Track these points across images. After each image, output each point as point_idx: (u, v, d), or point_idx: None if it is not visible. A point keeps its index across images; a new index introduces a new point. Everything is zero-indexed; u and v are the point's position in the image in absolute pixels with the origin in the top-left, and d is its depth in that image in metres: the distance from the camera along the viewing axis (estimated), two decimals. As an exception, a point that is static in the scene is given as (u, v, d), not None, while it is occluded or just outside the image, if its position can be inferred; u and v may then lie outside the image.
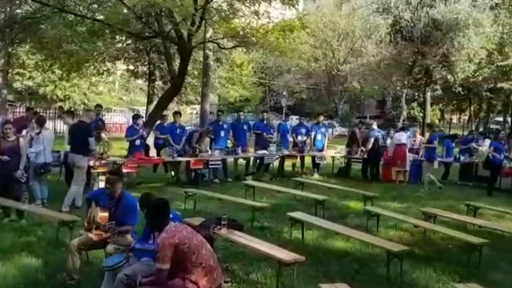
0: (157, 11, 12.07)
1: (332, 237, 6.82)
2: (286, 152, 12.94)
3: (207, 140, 11.82)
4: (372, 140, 12.69)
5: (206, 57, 15.75)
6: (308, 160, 13.41)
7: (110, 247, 4.76)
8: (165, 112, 13.37)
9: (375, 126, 13.51)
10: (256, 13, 13.07)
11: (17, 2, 14.18)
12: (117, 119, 27.51)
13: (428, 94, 21.26)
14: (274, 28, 13.00)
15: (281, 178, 12.34)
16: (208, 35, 14.72)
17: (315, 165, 13.16)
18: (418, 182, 12.37)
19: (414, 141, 12.99)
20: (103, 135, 9.96)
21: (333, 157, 13.68)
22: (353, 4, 29.33)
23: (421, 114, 29.29)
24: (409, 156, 12.44)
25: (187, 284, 3.71)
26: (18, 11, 14.12)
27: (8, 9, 13.98)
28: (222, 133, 12.19)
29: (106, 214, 5.01)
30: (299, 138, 13.35)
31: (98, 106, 12.43)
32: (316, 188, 10.24)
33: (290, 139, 13.93)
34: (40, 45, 16.14)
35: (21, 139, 7.76)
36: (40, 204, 8.25)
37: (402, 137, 12.50)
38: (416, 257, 6.14)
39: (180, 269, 3.75)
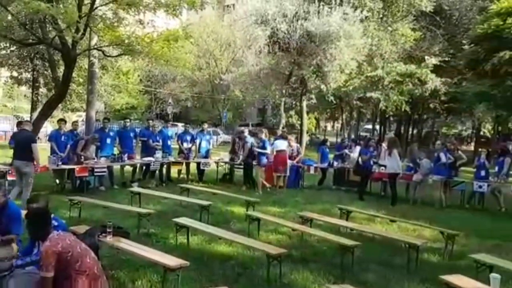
0: (41, 18, 11.28)
1: (216, 241, 6.79)
2: (172, 159, 12.86)
3: (93, 147, 11.31)
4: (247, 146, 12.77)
5: (91, 64, 15.03)
6: (193, 166, 13.44)
7: (-6, 257, 4.39)
8: (49, 119, 12.48)
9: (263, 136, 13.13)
10: (141, 22, 12.85)
11: None
12: (1, 127, 24.81)
13: (304, 103, 21.67)
14: (159, 37, 12.87)
15: (167, 185, 12.24)
16: (93, 42, 14.10)
17: (200, 172, 13.26)
18: (297, 187, 13.00)
19: (292, 148, 13.39)
20: None
21: (217, 163, 13.76)
22: (234, 16, 29.74)
23: (299, 122, 30.21)
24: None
25: (72, 293, 3.60)
26: None
27: None
28: (108, 140, 11.74)
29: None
30: (185, 145, 13.33)
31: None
32: (201, 194, 10.26)
33: (175, 145, 13.84)
34: None
35: None
36: None
37: (283, 144, 12.68)
38: (294, 259, 6.22)
39: (64, 278, 3.62)
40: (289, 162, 12.81)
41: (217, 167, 13.79)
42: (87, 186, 10.80)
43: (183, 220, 6.80)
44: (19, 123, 10.54)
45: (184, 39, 14.39)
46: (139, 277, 5.30)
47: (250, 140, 13.02)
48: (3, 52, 16.23)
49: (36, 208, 4.31)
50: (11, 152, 10.22)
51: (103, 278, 3.88)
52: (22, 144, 8.50)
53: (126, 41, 12.16)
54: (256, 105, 43.19)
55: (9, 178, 8.85)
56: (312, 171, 13.81)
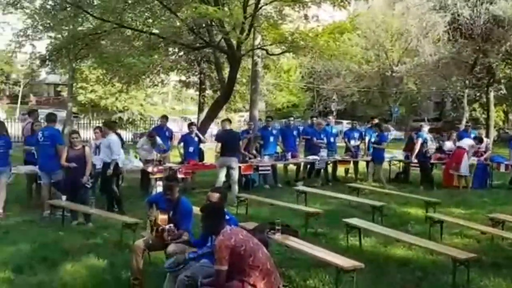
0: (208, 22, 12.37)
1: (392, 244, 6.64)
2: (338, 157, 12.81)
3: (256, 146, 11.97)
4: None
5: (254, 64, 15.94)
6: (362, 165, 13.15)
7: (170, 248, 4.92)
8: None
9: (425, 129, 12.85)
10: (306, 17, 13.07)
11: (79, 20, 14.98)
12: (170, 128, 28.28)
13: (492, 94, 19.95)
14: (324, 31, 12.92)
15: (333, 184, 12.23)
16: (256, 42, 14.89)
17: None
18: (484, 186, 11.99)
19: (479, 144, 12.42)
20: (158, 140, 10.36)
21: (389, 162, 13.31)
22: (407, 3, 28.26)
23: (483, 116, 27.72)
24: (472, 160, 11.97)
25: (246, 287, 3.77)
26: (80, 28, 14.93)
27: (71, 26, 14.79)
28: (272, 139, 12.20)
29: (165, 216, 5.18)
30: (352, 142, 13.15)
31: (164, 117, 12.72)
32: (372, 194, 10.07)
33: (342, 143, 13.75)
34: (101, 60, 16.95)
35: (86, 148, 8.22)
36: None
37: (466, 140, 12.06)
38: (483, 264, 5.92)
39: (238, 272, 3.82)
40: (474, 159, 11.92)
41: (390, 165, 13.34)
42: (252, 184, 11.45)
43: (354, 221, 6.72)
44: (190, 124, 11.86)
45: (351, 31, 14.18)
46: (310, 276, 5.37)
47: (424, 135, 12.25)
48: (173, 57, 18.30)
49: (212, 203, 4.67)
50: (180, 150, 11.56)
51: (276, 274, 3.99)
52: (231, 142, 9.82)
53: (290, 38, 12.55)
54: (433, 98, 40.47)
55: (179, 176, 9.84)
56: (502, 169, 12.54)
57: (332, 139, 13.06)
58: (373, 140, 12.41)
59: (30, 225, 7.68)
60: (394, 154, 13.86)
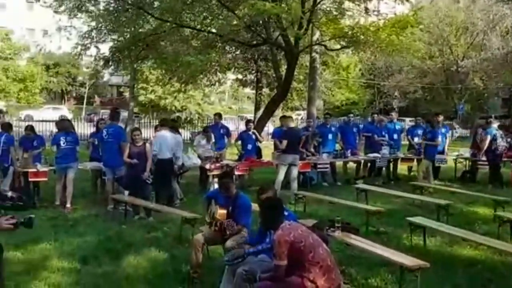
0: (265, 19, 12.39)
1: (459, 244, 6.41)
2: (401, 155, 12.41)
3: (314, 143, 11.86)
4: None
5: (312, 60, 15.78)
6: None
7: (229, 243, 4.96)
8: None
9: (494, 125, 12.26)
10: (366, 10, 12.77)
11: (140, 22, 15.53)
12: (226, 125, 28.82)
13: None
14: (385, 25, 12.54)
15: (396, 183, 11.87)
16: (314, 38, 14.72)
17: (435, 169, 12.43)
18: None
19: None
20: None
21: (455, 160, 12.77)
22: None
23: None
24: None
25: (306, 283, 3.72)
26: (140, 30, 15.48)
27: (132, 28, 15.36)
28: (330, 136, 12.01)
29: (224, 211, 5.24)
30: (416, 140, 12.67)
31: (217, 114, 12.93)
32: (436, 192, 9.69)
33: (406, 141, 13.31)
34: (160, 61, 17.48)
35: (147, 145, 8.48)
36: (178, 203, 8.89)
37: None
38: None
39: (298, 268, 3.78)
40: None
41: (455, 163, 12.81)
42: (310, 182, 11.34)
43: (418, 220, 6.49)
44: (248, 122, 11.96)
45: (414, 25, 13.67)
46: (372, 275, 5.25)
47: (493, 132, 11.63)
48: (230, 56, 18.52)
49: (270, 198, 4.65)
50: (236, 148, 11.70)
51: (337, 271, 3.92)
52: (294, 139, 9.86)
53: (350, 32, 12.30)
54: (501, 94, 38.36)
55: (236, 173, 9.92)
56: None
57: (395, 136, 12.68)
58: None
59: (95, 219, 8.04)
60: (459, 152, 13.31)
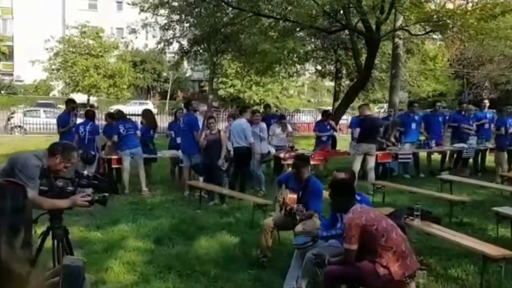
0: (345, 4, 12.04)
1: None
2: (489, 145, 11.51)
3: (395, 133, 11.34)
4: None
5: (395, 47, 15.09)
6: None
7: (299, 227, 4.85)
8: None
9: None
10: (453, -8, 11.99)
11: (219, 14, 15.83)
12: (305, 119, 28.74)
13: None
14: (474, 8, 11.68)
15: (483, 174, 11.03)
16: (398, 23, 14.06)
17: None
18: None
19: None
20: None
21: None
22: None
23: None
24: None
25: (378, 268, 3.53)
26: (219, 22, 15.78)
27: (212, 21, 15.68)
28: (413, 126, 11.38)
29: (295, 196, 5.13)
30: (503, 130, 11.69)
31: (267, 106, 12.78)
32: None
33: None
34: (239, 53, 17.73)
35: (222, 133, 8.61)
36: (263, 192, 8.93)
37: None
38: None
39: (369, 252, 3.61)
40: None
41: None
42: (390, 173, 10.88)
43: (505, 209, 5.94)
44: (324, 112, 11.78)
45: (508, 10, 12.53)
46: (453, 266, 4.91)
47: None
48: (308, 46, 18.29)
49: (341, 179, 4.48)
50: (313, 140, 11.48)
51: (412, 257, 3.68)
52: (371, 128, 9.60)
53: (435, 16, 11.62)
54: None
55: (312, 162, 9.74)
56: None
57: (486, 126, 11.78)
58: None
59: (172, 204, 8.30)
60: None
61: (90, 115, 9.52)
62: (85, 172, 3.90)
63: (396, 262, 3.53)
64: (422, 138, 11.65)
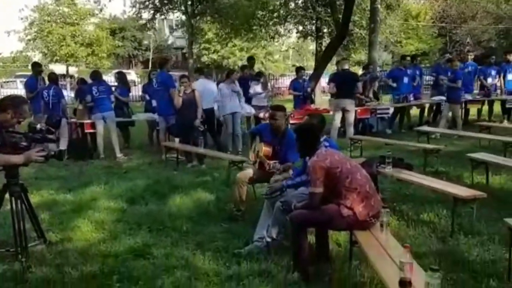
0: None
1: None
2: (469, 97, 11.47)
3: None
4: None
5: (373, 0, 14.82)
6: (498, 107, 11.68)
7: (272, 179, 4.76)
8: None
9: None
10: None
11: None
12: (286, 82, 28.59)
13: None
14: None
15: (464, 127, 11.02)
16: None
17: (505, 111, 11.42)
18: None
19: None
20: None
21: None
22: None
23: None
24: None
25: (342, 210, 3.48)
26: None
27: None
28: (406, 80, 11.08)
29: (269, 149, 4.99)
30: (489, 80, 11.62)
31: (244, 67, 12.45)
32: (507, 133, 8.74)
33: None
34: (217, 15, 17.25)
35: (196, 92, 8.38)
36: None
37: None
38: None
39: (334, 195, 3.55)
40: None
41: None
42: (370, 129, 10.84)
43: (480, 155, 5.92)
44: (299, 69, 11.47)
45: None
46: (425, 210, 4.90)
47: None
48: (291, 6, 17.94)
49: (305, 124, 4.37)
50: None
51: (377, 197, 3.64)
52: (347, 83, 9.43)
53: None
54: None
55: (291, 121, 9.61)
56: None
57: (468, 79, 11.57)
58: None
59: (148, 167, 8.18)
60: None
61: (53, 79, 9.25)
62: (38, 126, 3.73)
63: (360, 203, 3.49)
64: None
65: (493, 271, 3.46)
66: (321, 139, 4.03)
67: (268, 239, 4.15)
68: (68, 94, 15.83)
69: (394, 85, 11.14)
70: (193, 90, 8.40)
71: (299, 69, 11.47)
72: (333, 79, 9.87)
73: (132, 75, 32.47)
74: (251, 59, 12.12)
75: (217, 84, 9.95)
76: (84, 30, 32.52)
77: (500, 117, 11.62)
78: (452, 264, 3.62)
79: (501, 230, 4.13)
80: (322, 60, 13.44)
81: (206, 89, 9.13)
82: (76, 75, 31.63)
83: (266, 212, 4.41)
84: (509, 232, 3.30)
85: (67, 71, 34.05)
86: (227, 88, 9.11)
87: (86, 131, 9.16)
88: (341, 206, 3.50)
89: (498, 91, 11.63)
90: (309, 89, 11.14)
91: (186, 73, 20.29)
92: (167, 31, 42.32)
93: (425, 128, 9.05)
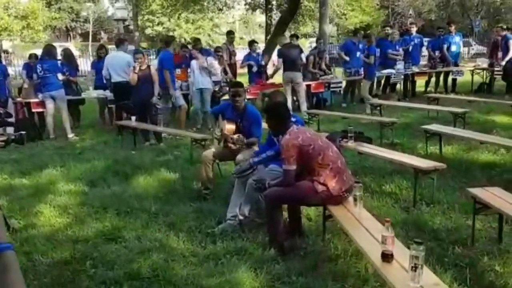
0: None
1: (476, 149, 6.22)
2: (416, 70, 11.92)
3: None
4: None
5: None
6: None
7: (239, 157, 4.80)
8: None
9: None
10: None
11: None
12: (238, 56, 28.33)
13: None
14: None
15: (412, 99, 11.49)
16: None
17: (451, 81, 11.98)
18: None
19: None
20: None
21: (472, 71, 12.27)
22: None
23: None
24: None
25: (316, 186, 3.59)
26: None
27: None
28: (358, 54, 11.04)
29: (233, 126, 5.03)
30: (437, 53, 12.09)
31: (197, 40, 12.26)
32: (453, 103, 9.27)
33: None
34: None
35: (152, 67, 8.16)
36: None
37: None
38: None
39: (307, 171, 3.65)
40: None
41: (472, 75, 12.31)
42: (324, 103, 11.04)
43: (434, 127, 6.24)
44: (251, 43, 11.39)
45: None
46: (386, 182, 5.12)
47: None
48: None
49: (275, 103, 4.42)
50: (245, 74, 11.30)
51: (348, 172, 3.77)
52: (291, 56, 9.64)
53: None
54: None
55: (248, 96, 9.63)
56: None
57: (415, 51, 12.02)
58: None
59: (104, 146, 7.97)
60: (476, 63, 12.92)
61: (-4, 55, 8.73)
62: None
63: (333, 178, 3.60)
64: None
65: (457, 237, 3.72)
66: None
67: (241, 217, 4.22)
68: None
69: (347, 58, 11.34)
70: (148, 66, 8.17)
71: (252, 43, 11.42)
72: (279, 54, 10.09)
73: (71, 48, 31.02)
74: (230, 33, 11.85)
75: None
76: (17, 2, 30.55)
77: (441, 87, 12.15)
78: (418, 232, 3.84)
79: (460, 199, 4.43)
80: (273, 35, 13.44)
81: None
82: (10, 50, 29.85)
83: (238, 190, 4.45)
84: (472, 200, 3.53)
85: (1, 45, 32.06)
86: (196, 64, 8.97)
87: (33, 110, 8.75)
88: (315, 182, 3.60)
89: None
90: (263, 62, 11.17)
91: (135, 47, 19.95)
92: (106, 1, 40.61)
93: (378, 101, 9.33)
